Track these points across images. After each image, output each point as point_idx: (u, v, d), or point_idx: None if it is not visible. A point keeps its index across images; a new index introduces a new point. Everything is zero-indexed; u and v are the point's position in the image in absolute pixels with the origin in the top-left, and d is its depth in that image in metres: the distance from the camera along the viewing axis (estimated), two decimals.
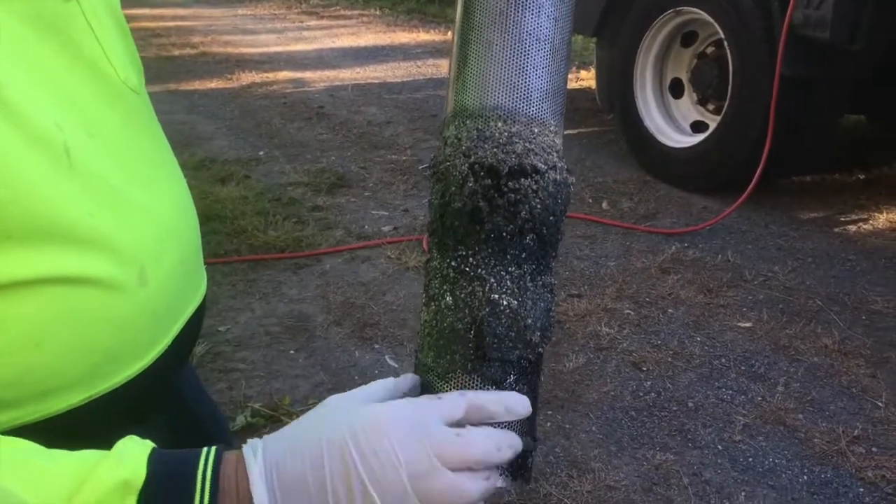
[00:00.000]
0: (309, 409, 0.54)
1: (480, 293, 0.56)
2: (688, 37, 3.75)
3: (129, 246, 0.60)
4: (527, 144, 0.57)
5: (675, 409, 2.17)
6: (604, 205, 3.54)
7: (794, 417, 2.11)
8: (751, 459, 1.97)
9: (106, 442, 0.50)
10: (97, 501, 0.46)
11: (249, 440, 0.51)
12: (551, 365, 2.32)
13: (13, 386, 0.55)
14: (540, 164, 0.57)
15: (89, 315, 0.57)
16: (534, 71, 0.58)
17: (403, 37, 8.14)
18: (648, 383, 2.27)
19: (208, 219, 3.24)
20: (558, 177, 0.58)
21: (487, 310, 0.56)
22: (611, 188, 3.73)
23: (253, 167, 4.10)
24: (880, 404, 2.16)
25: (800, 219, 3.38)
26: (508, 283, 0.57)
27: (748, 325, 2.56)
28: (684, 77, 3.79)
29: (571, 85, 5.43)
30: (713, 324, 2.58)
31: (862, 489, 1.87)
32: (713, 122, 3.57)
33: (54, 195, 0.54)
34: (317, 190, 3.76)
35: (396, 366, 2.37)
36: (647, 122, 3.83)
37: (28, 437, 0.49)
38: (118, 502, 0.46)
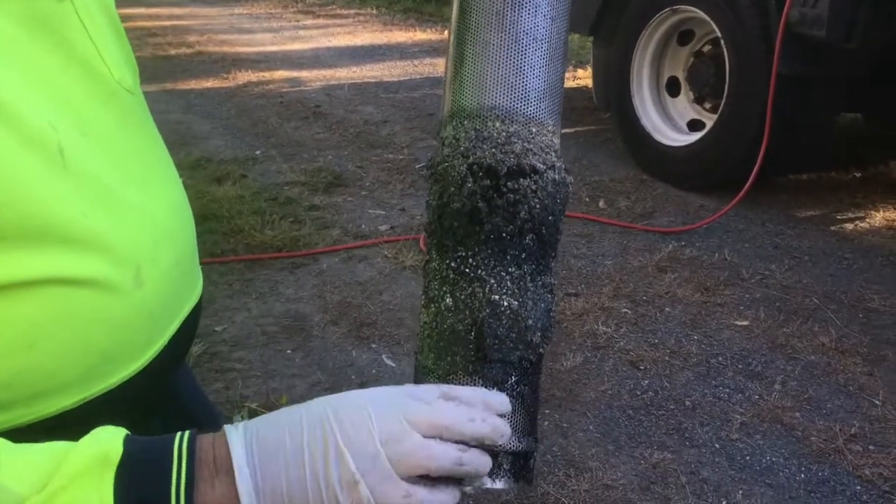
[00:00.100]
0: None
1: (480, 294, 0.56)
2: (684, 35, 3.75)
3: (124, 246, 0.60)
4: (525, 144, 0.57)
5: (672, 407, 2.17)
6: (601, 203, 3.54)
7: (792, 416, 2.11)
8: (748, 458, 1.97)
9: None
10: (77, 475, 0.46)
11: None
12: (548, 364, 2.32)
13: (5, 388, 0.54)
14: (538, 164, 0.56)
15: (85, 316, 0.57)
16: (531, 70, 0.58)
17: (400, 36, 8.12)
18: (646, 382, 2.27)
19: (205, 218, 3.23)
20: (557, 176, 0.58)
21: (488, 311, 0.56)
22: (607, 187, 3.73)
23: (249, 166, 4.09)
24: (877, 402, 2.16)
25: (796, 217, 3.38)
26: (508, 283, 0.57)
27: (745, 323, 2.56)
28: (681, 75, 3.79)
29: (568, 84, 5.43)
30: (710, 322, 2.58)
31: (859, 487, 1.87)
32: (710, 120, 3.57)
33: (48, 195, 0.54)
34: (313, 189, 3.75)
35: (393, 365, 2.37)
36: (644, 121, 3.83)
37: (22, 439, 0.49)
38: (97, 475, 0.46)
